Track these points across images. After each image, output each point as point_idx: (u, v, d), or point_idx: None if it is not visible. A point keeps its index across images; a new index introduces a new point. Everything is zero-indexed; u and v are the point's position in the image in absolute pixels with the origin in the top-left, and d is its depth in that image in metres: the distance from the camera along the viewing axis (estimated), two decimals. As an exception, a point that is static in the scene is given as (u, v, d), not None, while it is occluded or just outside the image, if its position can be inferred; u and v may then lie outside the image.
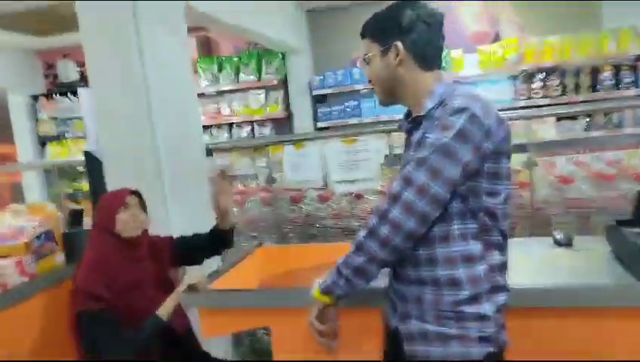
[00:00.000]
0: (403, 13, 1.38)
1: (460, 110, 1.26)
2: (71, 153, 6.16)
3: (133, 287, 1.93)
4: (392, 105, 1.50)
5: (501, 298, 1.34)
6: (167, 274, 2.14)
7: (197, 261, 2.25)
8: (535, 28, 4.95)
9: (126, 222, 1.97)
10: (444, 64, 4.80)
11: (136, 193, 2.06)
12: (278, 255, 2.55)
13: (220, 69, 5.54)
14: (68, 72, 6.32)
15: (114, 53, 2.40)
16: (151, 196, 2.34)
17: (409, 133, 1.45)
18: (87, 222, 2.67)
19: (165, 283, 2.08)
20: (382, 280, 1.46)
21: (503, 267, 1.37)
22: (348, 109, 5.19)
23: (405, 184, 1.27)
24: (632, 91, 4.59)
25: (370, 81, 1.50)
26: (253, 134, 5.63)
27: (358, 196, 3.19)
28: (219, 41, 5.91)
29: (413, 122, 1.41)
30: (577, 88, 4.72)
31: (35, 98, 6.23)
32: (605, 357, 1.53)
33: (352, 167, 2.87)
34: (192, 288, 1.90)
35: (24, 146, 6.28)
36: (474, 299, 1.30)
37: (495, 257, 1.34)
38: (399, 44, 1.38)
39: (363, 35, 1.47)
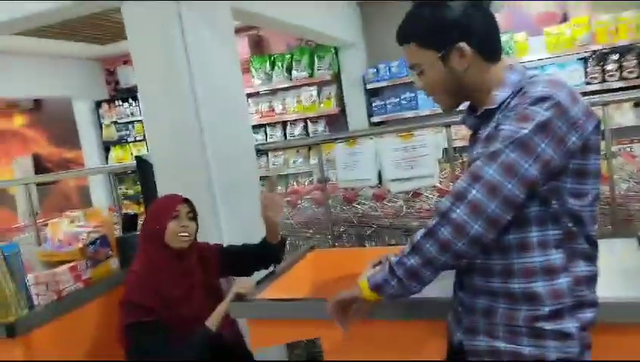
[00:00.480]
0: (454, 7, 1.19)
1: (543, 99, 1.08)
2: (132, 156, 6.36)
3: (182, 298, 1.88)
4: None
5: (588, 314, 1.16)
6: (215, 283, 2.08)
7: (245, 272, 2.16)
8: (607, 4, 4.54)
9: (175, 233, 1.90)
10: (507, 49, 4.61)
11: (187, 201, 1.98)
12: (330, 259, 2.44)
13: (273, 67, 5.49)
14: (128, 77, 6.51)
15: (160, 56, 2.36)
16: (201, 203, 2.30)
17: (475, 129, 1.30)
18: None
19: (213, 292, 2.02)
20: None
21: (591, 280, 1.19)
22: (404, 102, 5.00)
23: (473, 181, 1.09)
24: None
25: (426, 92, 1.31)
26: (307, 131, 5.56)
27: (416, 194, 3.02)
28: (270, 38, 5.86)
29: (482, 116, 1.24)
30: (657, 68, 4.28)
31: (99, 104, 6.47)
32: None
33: (409, 163, 2.70)
34: (240, 297, 1.82)
35: (89, 151, 6.55)
36: (555, 315, 1.13)
37: (581, 268, 1.16)
38: (463, 45, 1.19)
39: (405, 42, 1.27)
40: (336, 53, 5.32)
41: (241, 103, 2.83)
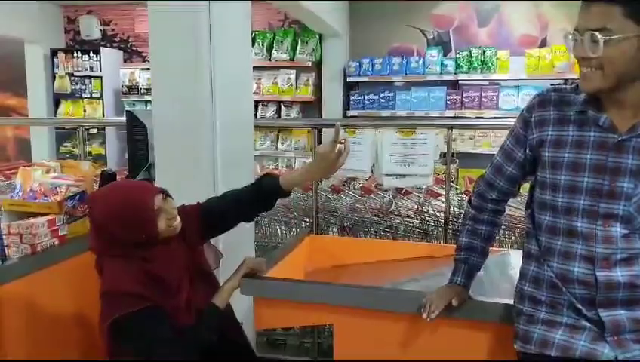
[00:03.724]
0: None
1: None
2: (86, 114, 5.94)
3: (171, 283, 1.56)
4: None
5: None
6: (202, 261, 1.74)
7: (230, 224, 1.79)
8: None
9: (167, 227, 1.56)
10: (489, 64, 4.74)
11: (162, 191, 1.60)
12: (325, 246, 2.38)
13: (253, 44, 5.32)
14: (91, 28, 6.07)
15: (181, 22, 2.19)
16: (201, 175, 2.18)
17: (618, 135, 1.20)
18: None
19: (203, 272, 1.71)
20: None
21: None
22: (382, 100, 5.00)
23: None
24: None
25: (590, 63, 1.17)
26: (279, 115, 5.44)
27: (406, 192, 3.01)
28: (253, 14, 5.67)
29: None
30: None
31: (54, 52, 5.98)
32: None
33: (407, 160, 2.68)
34: (250, 274, 1.72)
35: (36, 101, 6.04)
36: None
37: None
38: None
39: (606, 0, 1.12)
40: (320, 41, 5.24)
41: (248, 78, 2.70)
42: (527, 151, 1.34)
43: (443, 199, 2.84)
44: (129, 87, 5.82)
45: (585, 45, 1.14)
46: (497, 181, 1.44)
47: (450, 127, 2.71)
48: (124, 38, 6.23)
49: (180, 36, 2.21)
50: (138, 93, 5.78)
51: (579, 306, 1.23)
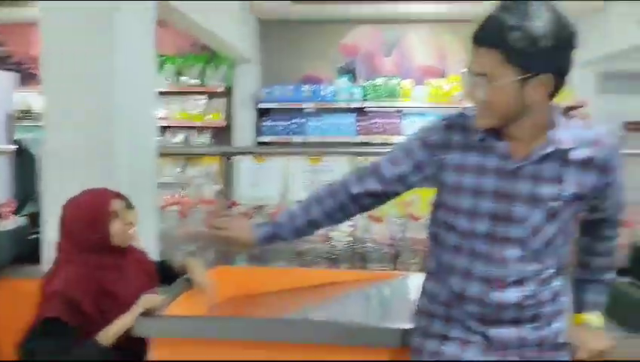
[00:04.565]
0: (558, 32, 1.12)
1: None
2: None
3: (116, 302, 1.64)
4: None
5: None
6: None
7: None
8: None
9: (123, 233, 1.69)
10: (394, 93, 4.96)
11: (118, 195, 1.74)
12: (234, 276, 2.32)
13: (161, 68, 5.19)
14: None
15: (80, 39, 2.08)
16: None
17: (511, 159, 1.26)
18: None
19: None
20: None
21: None
22: (293, 126, 5.06)
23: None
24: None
25: (477, 102, 1.23)
26: (189, 141, 5.32)
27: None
28: (160, 37, 5.54)
29: (550, 158, 1.24)
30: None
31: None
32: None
33: (314, 187, 2.72)
34: (146, 312, 1.64)
35: None
36: None
37: None
38: (548, 77, 1.16)
39: (486, 45, 1.17)
40: (231, 67, 5.22)
41: (152, 101, 2.61)
42: (413, 168, 1.37)
43: (350, 223, 2.90)
44: (24, 112, 5.44)
45: (471, 87, 1.22)
46: (370, 179, 1.42)
47: (359, 155, 2.79)
48: (20, 61, 5.83)
49: (75, 57, 2.11)
50: (33, 119, 5.42)
51: (470, 323, 1.30)
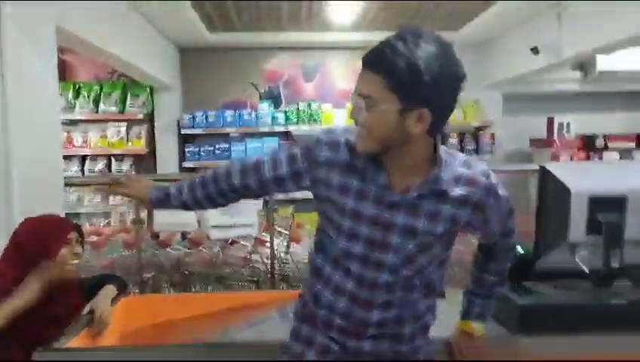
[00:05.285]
0: (442, 70, 1.13)
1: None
2: None
3: (43, 318, 1.71)
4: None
5: None
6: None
7: None
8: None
9: (66, 261, 1.78)
10: (315, 117, 5.11)
11: (77, 226, 1.86)
12: (144, 305, 2.30)
13: (77, 96, 5.07)
14: None
15: None
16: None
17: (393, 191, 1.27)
18: None
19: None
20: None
21: None
22: (218, 151, 5.08)
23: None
24: (475, 157, 5.21)
25: (360, 126, 1.22)
26: (110, 169, 5.19)
27: (233, 242, 3.07)
28: (77, 65, 5.43)
29: (428, 191, 1.26)
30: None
31: None
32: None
33: (231, 212, 2.76)
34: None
35: None
36: None
37: None
38: (427, 112, 1.16)
39: (372, 69, 1.17)
40: (152, 94, 5.18)
41: (55, 130, 2.57)
42: (292, 175, 1.37)
43: (269, 244, 2.95)
44: None
45: (355, 109, 1.21)
46: (250, 175, 1.42)
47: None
48: None
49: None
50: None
51: (333, 334, 1.35)
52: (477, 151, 5.25)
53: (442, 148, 1.28)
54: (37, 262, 1.72)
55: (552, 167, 1.66)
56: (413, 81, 1.12)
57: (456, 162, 1.28)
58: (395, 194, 1.26)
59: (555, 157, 5.59)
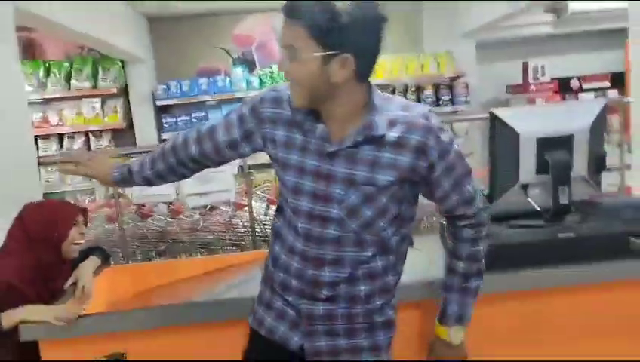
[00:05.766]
0: (359, 13, 1.12)
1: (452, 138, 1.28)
2: None
3: (54, 297, 1.82)
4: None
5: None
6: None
7: None
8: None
9: (74, 241, 1.88)
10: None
11: (85, 212, 1.98)
12: (129, 275, 2.38)
13: (48, 74, 5.02)
14: None
15: None
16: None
17: (331, 142, 1.26)
18: None
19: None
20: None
21: None
22: (195, 120, 5.08)
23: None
24: (449, 108, 5.27)
25: (288, 78, 1.23)
26: (89, 145, 5.19)
27: (212, 208, 3.13)
28: (45, 43, 5.34)
29: (366, 142, 1.23)
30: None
31: None
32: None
33: (206, 178, 2.80)
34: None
35: None
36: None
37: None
38: (350, 57, 1.15)
39: (291, 17, 1.15)
40: (123, 66, 5.13)
41: (22, 109, 2.58)
42: (244, 137, 1.36)
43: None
44: None
45: (281, 60, 1.21)
46: (206, 142, 1.40)
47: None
48: None
49: None
50: None
51: (289, 296, 1.34)
52: (452, 101, 5.29)
53: (379, 95, 1.26)
54: (48, 247, 1.83)
55: (501, 112, 1.71)
56: (330, 25, 1.11)
57: (392, 106, 1.25)
58: (332, 145, 1.25)
59: (531, 102, 5.66)
